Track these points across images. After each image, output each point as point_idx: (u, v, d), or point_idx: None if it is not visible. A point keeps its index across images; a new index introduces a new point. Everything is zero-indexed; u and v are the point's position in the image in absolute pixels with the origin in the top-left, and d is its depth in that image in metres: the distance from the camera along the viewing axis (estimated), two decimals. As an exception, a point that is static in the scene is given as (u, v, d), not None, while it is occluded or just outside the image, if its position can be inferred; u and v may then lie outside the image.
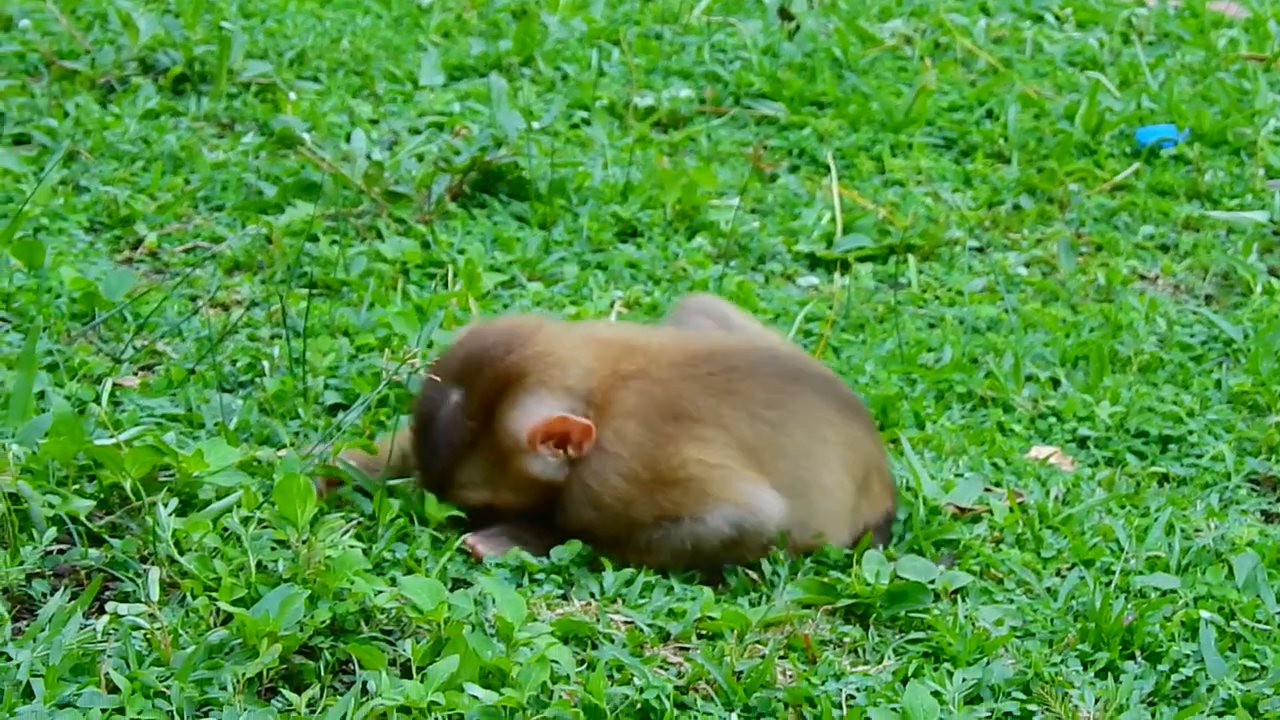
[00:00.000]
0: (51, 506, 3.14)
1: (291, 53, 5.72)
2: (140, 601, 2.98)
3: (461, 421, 3.33)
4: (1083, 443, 3.99)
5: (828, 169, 5.18)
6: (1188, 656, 3.16)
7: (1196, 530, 3.60)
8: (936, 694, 2.99)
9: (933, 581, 3.31)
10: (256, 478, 3.32)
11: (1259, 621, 3.27)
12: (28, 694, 2.77)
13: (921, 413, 3.99)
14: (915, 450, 3.78)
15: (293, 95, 5.35)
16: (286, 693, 2.82)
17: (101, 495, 3.23)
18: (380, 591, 2.98)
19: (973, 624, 3.21)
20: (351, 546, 3.07)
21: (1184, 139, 5.52)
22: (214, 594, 2.97)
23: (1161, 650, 3.17)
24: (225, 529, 3.14)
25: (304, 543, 3.03)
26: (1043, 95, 5.86)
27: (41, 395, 3.58)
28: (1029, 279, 4.76)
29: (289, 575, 3.02)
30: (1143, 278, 4.85)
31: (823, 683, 3.01)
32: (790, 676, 3.05)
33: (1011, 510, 3.60)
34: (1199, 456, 3.94)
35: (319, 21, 6.04)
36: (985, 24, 6.49)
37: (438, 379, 3.34)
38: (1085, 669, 3.13)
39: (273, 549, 3.09)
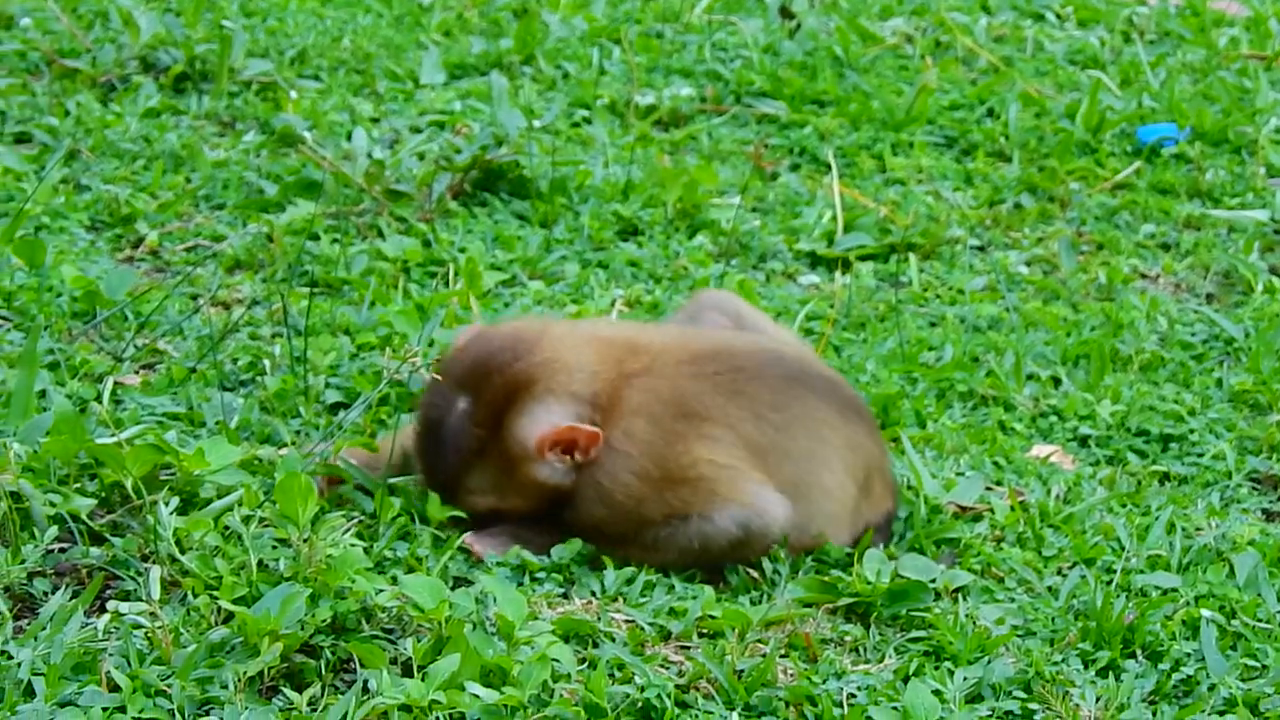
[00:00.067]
0: (53, 505, 3.14)
1: (292, 51, 5.72)
2: (141, 600, 2.98)
3: (469, 429, 3.33)
4: (1084, 441, 3.99)
5: (829, 168, 5.18)
6: (1189, 655, 3.16)
7: (1197, 529, 3.60)
8: (937, 693, 2.99)
9: (934, 580, 3.31)
10: (258, 476, 3.32)
11: (1260, 620, 3.27)
12: (29, 692, 2.77)
13: (922, 411, 3.99)
14: (916, 449, 3.78)
15: (294, 94, 5.35)
16: (287, 691, 2.82)
17: (103, 494, 3.23)
18: (381, 590, 2.98)
19: (974, 623, 3.21)
20: (353, 545, 3.07)
21: (1185, 138, 5.52)
22: (215, 593, 2.97)
23: (1162, 649, 3.17)
24: (226, 528, 3.14)
25: (305, 541, 3.03)
26: (1044, 94, 5.86)
27: (43, 394, 3.58)
28: (1030, 278, 4.76)
29: (290, 574, 3.01)
30: (1144, 276, 4.85)
31: (824, 681, 3.01)
32: (791, 675, 3.05)
33: (1013, 509, 3.60)
34: (1200, 455, 3.94)
35: (320, 20, 6.04)
36: (986, 22, 6.48)
37: (443, 385, 3.34)
38: (1086, 668, 3.13)
39: (274, 548, 3.09)
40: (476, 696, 2.80)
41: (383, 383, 3.68)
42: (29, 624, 2.95)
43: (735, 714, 2.93)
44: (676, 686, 2.96)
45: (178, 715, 2.76)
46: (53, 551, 3.12)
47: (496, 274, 4.46)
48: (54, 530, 3.07)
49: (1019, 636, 3.21)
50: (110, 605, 2.97)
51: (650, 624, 3.13)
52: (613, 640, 3.07)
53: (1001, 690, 3.04)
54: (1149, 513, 3.65)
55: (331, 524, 3.08)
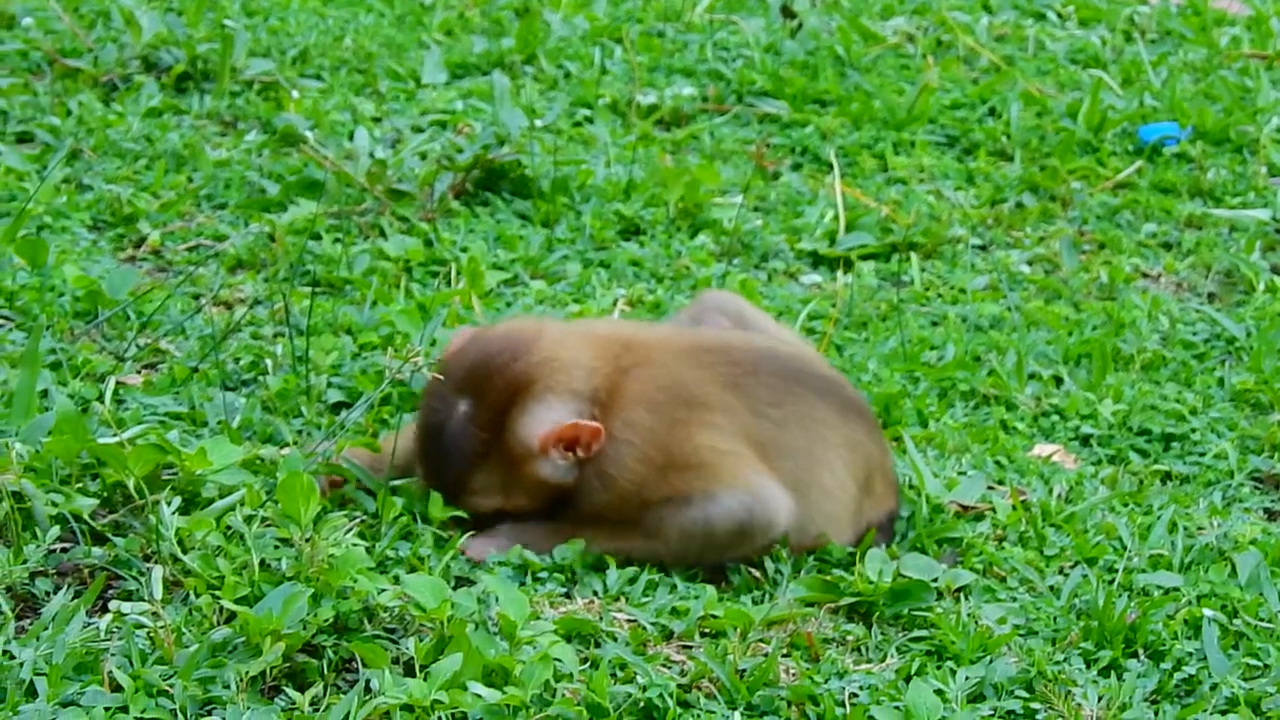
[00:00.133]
0: (55, 505, 3.14)
1: (294, 51, 5.72)
2: (143, 600, 2.98)
3: (472, 432, 3.33)
4: (1085, 441, 3.99)
5: (830, 167, 5.18)
6: (1190, 655, 3.16)
7: (1199, 528, 3.60)
8: (939, 692, 2.99)
9: (936, 580, 3.31)
10: (260, 476, 3.32)
11: (1262, 620, 3.27)
12: (31, 692, 2.77)
13: (924, 411, 3.99)
14: (918, 448, 3.78)
15: (295, 93, 5.35)
16: (290, 691, 2.82)
17: (105, 494, 3.23)
18: (383, 590, 2.98)
19: (975, 622, 3.21)
20: (355, 545, 3.07)
21: (1186, 137, 5.52)
22: (217, 592, 2.97)
23: (1164, 648, 3.17)
24: (228, 527, 3.14)
25: (307, 541, 3.03)
26: (1045, 93, 5.86)
27: (45, 394, 3.58)
28: (1031, 277, 4.76)
29: (292, 574, 3.02)
30: (1145, 276, 4.85)
31: (826, 681, 3.01)
32: (793, 675, 3.05)
33: (1014, 508, 3.60)
34: (1202, 454, 3.94)
35: (321, 20, 6.04)
36: (987, 22, 6.49)
37: (443, 389, 3.34)
38: (1088, 667, 3.13)
39: (276, 547, 3.09)
40: (479, 696, 2.80)
41: (385, 382, 3.68)
42: (31, 624, 2.96)
43: (737, 713, 2.93)
44: (679, 686, 2.96)
45: (180, 715, 2.76)
46: (55, 551, 3.12)
47: (498, 273, 4.46)
48: (56, 530, 3.07)
49: (1021, 636, 3.21)
50: (112, 605, 2.97)
51: (652, 623, 3.13)
52: (615, 640, 3.07)
53: (1003, 690, 3.04)
54: (1151, 512, 3.65)
55: (333, 524, 3.08)
